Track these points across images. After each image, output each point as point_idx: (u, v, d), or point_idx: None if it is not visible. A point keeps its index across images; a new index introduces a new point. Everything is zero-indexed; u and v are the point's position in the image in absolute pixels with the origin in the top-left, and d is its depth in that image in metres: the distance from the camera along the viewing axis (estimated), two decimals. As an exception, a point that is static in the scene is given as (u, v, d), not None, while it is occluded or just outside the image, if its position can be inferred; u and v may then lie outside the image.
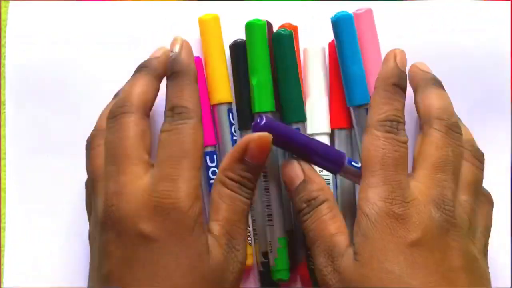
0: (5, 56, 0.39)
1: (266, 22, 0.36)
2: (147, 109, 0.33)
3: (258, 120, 0.33)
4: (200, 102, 0.33)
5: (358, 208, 0.32)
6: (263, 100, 0.36)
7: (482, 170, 0.35)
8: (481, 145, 0.35)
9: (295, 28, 0.39)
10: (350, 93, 0.36)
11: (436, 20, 0.40)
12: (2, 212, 0.38)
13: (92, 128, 0.35)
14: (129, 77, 0.34)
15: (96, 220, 0.32)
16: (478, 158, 0.35)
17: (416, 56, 0.37)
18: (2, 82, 0.39)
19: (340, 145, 0.38)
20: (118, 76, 0.39)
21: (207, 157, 0.38)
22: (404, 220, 0.31)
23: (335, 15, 0.36)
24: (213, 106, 0.38)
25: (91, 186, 0.33)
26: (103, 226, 0.31)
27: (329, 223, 0.33)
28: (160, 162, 0.31)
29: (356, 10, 0.37)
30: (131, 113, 0.32)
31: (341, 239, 0.32)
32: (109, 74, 0.39)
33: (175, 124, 0.32)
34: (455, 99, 0.38)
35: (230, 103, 0.38)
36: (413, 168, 0.34)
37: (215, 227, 0.32)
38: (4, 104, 0.39)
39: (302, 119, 0.37)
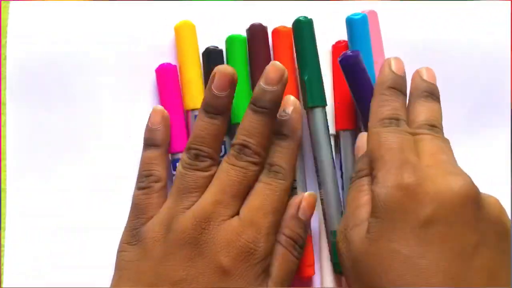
0: (5, 56, 0.39)
1: (246, 38, 0.37)
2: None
3: (350, 53, 0.34)
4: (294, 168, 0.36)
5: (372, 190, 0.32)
6: (239, 111, 0.37)
7: None
8: (481, 145, 0.35)
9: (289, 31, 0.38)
10: None
11: (436, 21, 0.40)
12: (2, 212, 0.38)
13: (90, 127, 0.37)
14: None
15: (171, 228, 0.33)
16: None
17: (416, 56, 0.37)
18: (2, 82, 0.39)
19: (345, 146, 0.38)
20: (118, 76, 0.39)
21: (177, 164, 0.36)
22: (416, 191, 0.29)
23: (351, 15, 0.37)
24: (187, 111, 0.38)
25: (178, 189, 0.34)
26: (183, 239, 0.32)
27: (363, 194, 0.32)
28: (254, 209, 0.33)
29: (361, 12, 0.37)
30: (257, 165, 0.34)
31: (363, 211, 0.32)
32: (109, 74, 0.39)
33: (274, 181, 0.34)
34: (455, 100, 0.38)
35: None
36: None
37: (271, 282, 0.34)
38: (5, 104, 0.39)
39: (324, 103, 0.37)
